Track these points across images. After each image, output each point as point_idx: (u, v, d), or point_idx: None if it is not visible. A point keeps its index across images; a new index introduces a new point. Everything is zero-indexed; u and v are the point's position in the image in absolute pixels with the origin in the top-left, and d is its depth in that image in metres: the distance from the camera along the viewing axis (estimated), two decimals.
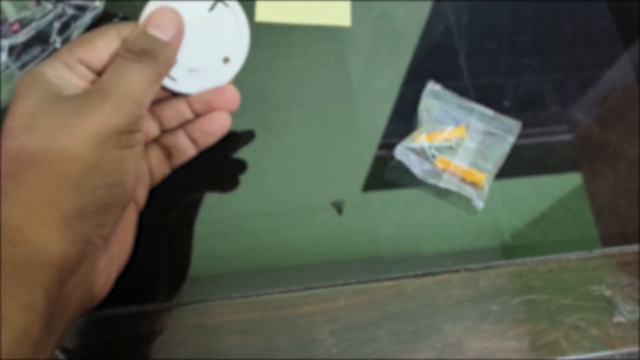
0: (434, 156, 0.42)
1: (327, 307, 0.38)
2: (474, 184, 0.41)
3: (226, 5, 0.35)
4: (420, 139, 0.42)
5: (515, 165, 0.44)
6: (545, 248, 0.41)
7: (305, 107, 0.44)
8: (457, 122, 0.43)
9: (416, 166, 0.41)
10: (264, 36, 0.46)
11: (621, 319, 0.39)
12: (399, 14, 0.49)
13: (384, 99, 0.45)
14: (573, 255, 0.41)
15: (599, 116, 0.46)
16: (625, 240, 0.42)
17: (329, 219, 0.41)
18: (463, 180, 0.42)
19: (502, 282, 0.39)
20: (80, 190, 0.27)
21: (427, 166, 0.41)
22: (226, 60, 0.36)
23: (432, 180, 0.41)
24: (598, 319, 0.39)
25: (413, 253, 0.40)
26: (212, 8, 0.35)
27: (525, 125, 0.44)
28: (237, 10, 0.36)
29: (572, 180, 0.44)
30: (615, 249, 0.41)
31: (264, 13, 0.46)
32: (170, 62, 0.32)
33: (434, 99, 0.44)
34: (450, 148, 0.43)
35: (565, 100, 0.47)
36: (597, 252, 0.41)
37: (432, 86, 0.44)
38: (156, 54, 0.31)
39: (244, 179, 0.41)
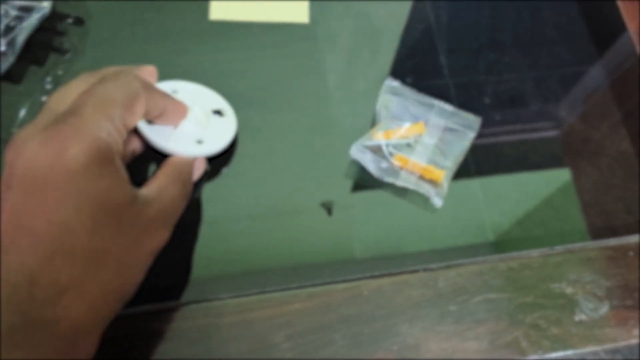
0: (391, 154, 0.41)
1: (282, 311, 0.37)
2: (433, 182, 0.41)
3: (222, 115, 0.40)
4: (377, 136, 0.41)
5: (497, 162, 0.43)
6: (527, 245, 0.40)
7: (280, 108, 0.43)
8: (416, 119, 0.43)
9: (372, 164, 0.40)
10: (226, 35, 0.45)
11: (583, 317, 0.38)
12: (379, 14, 0.48)
13: (365, 98, 0.44)
14: (535, 253, 0.40)
15: (581, 113, 0.46)
16: (611, 235, 0.41)
17: (291, 222, 0.40)
18: (421, 177, 0.41)
19: (462, 282, 0.39)
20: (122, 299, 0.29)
21: (383, 164, 0.40)
22: (199, 142, 0.38)
23: (389, 179, 0.40)
24: (559, 317, 0.38)
25: (371, 254, 0.39)
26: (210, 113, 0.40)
27: (506, 122, 0.43)
28: (231, 120, 0.40)
29: (554, 177, 0.44)
30: (577, 245, 0.40)
31: (219, 11, 0.45)
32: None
33: (392, 95, 0.43)
34: (409, 145, 0.42)
35: (547, 97, 0.46)
36: (559, 248, 0.40)
37: (390, 82, 0.43)
38: (188, 186, 0.35)
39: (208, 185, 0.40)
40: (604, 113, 0.46)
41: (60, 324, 0.25)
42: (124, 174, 0.29)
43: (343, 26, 0.47)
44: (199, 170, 0.37)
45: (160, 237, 0.31)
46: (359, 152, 0.40)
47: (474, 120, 0.43)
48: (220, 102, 0.41)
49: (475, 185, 0.42)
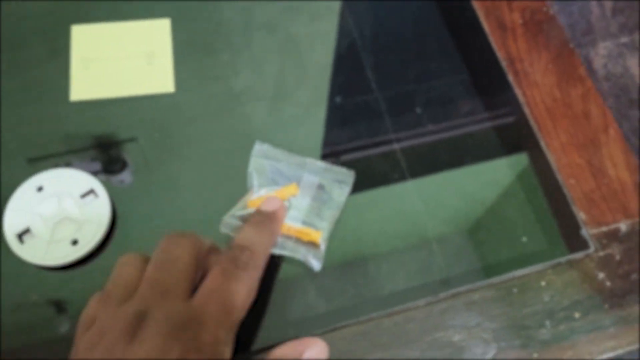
0: None
1: None
2: (311, 244, 0.40)
3: (96, 196, 0.40)
4: (251, 204, 0.40)
5: (434, 166, 0.44)
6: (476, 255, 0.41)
7: (155, 178, 0.42)
8: (289, 180, 0.42)
9: None
10: (89, 113, 0.44)
11: None
12: (302, 34, 0.48)
13: (295, 122, 0.44)
14: (421, 302, 0.40)
15: (511, 108, 0.47)
16: (507, 254, 0.41)
17: None
18: (298, 241, 0.40)
19: (347, 345, 0.38)
20: None
21: None
22: (75, 242, 0.39)
23: None
24: None
25: (246, 326, 0.38)
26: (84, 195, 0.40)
27: (440, 130, 0.45)
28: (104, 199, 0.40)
29: (492, 173, 0.44)
30: (463, 288, 0.40)
31: (79, 91, 0.44)
32: None
33: (264, 159, 0.42)
34: (288, 209, 0.41)
35: (475, 97, 0.46)
36: (443, 294, 0.40)
37: (259, 146, 0.42)
38: None
39: None
40: (499, 129, 0.46)
41: None
42: None
43: (265, 54, 0.47)
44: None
45: None
46: (227, 228, 0.39)
47: (348, 175, 0.42)
48: (90, 181, 0.40)
49: (412, 193, 0.42)
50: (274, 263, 0.40)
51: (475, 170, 0.44)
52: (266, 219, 0.37)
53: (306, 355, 0.32)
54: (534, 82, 0.48)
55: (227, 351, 0.30)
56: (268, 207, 0.37)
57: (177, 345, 0.28)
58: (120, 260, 0.33)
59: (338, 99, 0.45)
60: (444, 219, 0.42)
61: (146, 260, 0.33)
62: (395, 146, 0.45)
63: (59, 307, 0.38)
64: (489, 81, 0.48)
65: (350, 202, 0.42)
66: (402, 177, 0.43)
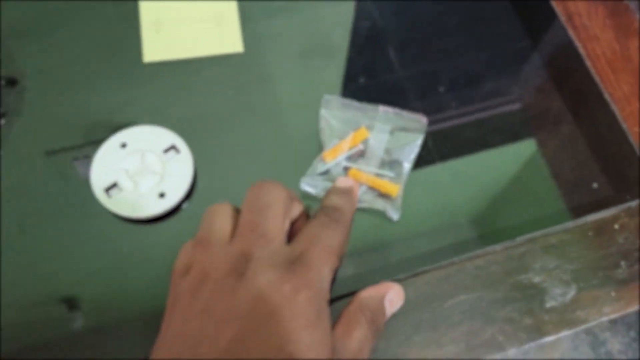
0: (346, 168, 0.41)
1: None
2: (387, 195, 0.41)
3: (177, 150, 0.41)
4: (328, 158, 0.41)
5: (458, 145, 0.44)
6: (503, 230, 0.41)
7: (232, 133, 0.43)
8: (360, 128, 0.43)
9: (324, 192, 0.40)
10: (163, 75, 0.45)
11: (553, 303, 0.39)
12: (322, 19, 0.48)
13: (319, 107, 0.44)
14: (498, 247, 0.40)
15: (535, 85, 0.47)
16: (580, 200, 0.42)
17: None
18: (375, 192, 0.41)
19: (431, 288, 0.39)
20: None
21: None
22: (161, 195, 0.39)
23: None
24: (530, 307, 0.38)
25: (337, 275, 0.39)
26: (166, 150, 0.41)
27: (462, 105, 0.44)
28: (186, 155, 0.41)
29: (517, 153, 0.44)
30: (538, 233, 0.41)
31: (152, 53, 0.45)
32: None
33: (333, 111, 0.43)
34: (360, 156, 0.42)
35: (499, 75, 0.47)
36: (520, 239, 0.41)
37: (327, 98, 0.43)
38: (380, 333, 0.33)
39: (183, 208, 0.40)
40: (552, 86, 0.47)
41: None
42: (330, 325, 0.29)
43: (285, 41, 0.47)
44: (394, 302, 0.35)
45: None
46: (308, 185, 0.40)
47: (420, 121, 0.43)
48: (171, 137, 0.41)
49: (441, 173, 0.43)
50: (356, 213, 0.41)
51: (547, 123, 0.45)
52: (346, 189, 0.38)
53: (388, 297, 0.33)
54: (593, 36, 0.48)
55: (329, 291, 0.31)
56: (343, 184, 0.38)
57: (287, 280, 0.29)
58: (209, 209, 0.34)
59: (362, 80, 0.46)
60: (522, 165, 0.43)
61: (235, 209, 0.33)
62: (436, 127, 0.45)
63: (150, 257, 0.39)
64: (548, 37, 0.49)
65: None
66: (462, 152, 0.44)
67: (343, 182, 0.38)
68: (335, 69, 0.46)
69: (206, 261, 0.31)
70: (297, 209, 0.34)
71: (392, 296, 0.35)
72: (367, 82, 0.46)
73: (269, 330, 0.27)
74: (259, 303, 0.28)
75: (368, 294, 0.34)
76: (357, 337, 0.31)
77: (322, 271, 0.30)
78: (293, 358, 0.27)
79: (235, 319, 0.27)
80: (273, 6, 0.48)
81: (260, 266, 0.29)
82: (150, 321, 0.34)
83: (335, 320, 0.32)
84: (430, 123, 0.43)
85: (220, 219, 0.33)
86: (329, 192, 0.37)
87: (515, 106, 0.46)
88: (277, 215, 0.32)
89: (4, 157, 0.41)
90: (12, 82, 0.45)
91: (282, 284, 0.28)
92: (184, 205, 0.40)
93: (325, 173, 0.41)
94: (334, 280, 0.33)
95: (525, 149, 0.44)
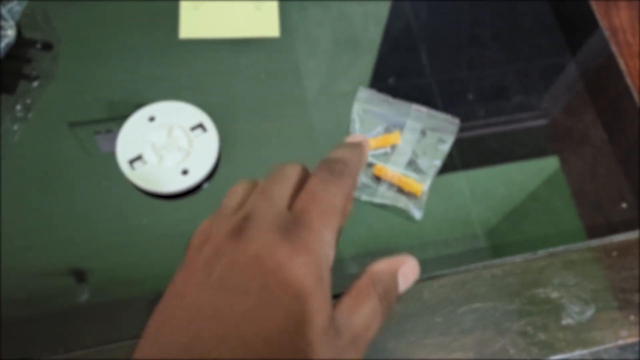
0: (370, 164, 0.41)
1: None
2: (412, 194, 0.40)
3: (203, 129, 0.41)
4: None
5: (483, 157, 0.43)
6: (519, 243, 0.40)
7: (259, 118, 0.43)
8: (392, 125, 0.42)
9: None
10: (197, 52, 0.45)
11: (570, 320, 0.38)
12: (356, 16, 0.48)
13: (347, 102, 0.44)
14: (517, 258, 0.40)
15: (563, 103, 0.46)
16: (598, 220, 0.41)
17: None
18: (400, 190, 0.40)
19: (446, 292, 0.38)
20: None
21: (358, 183, 0.40)
22: (185, 172, 0.39)
23: (366, 197, 0.40)
24: (545, 322, 0.38)
25: (352, 271, 0.39)
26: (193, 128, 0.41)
27: (489, 115, 0.43)
28: (213, 134, 0.41)
29: (540, 169, 0.43)
30: (560, 248, 0.40)
31: (189, 30, 0.45)
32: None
33: (366, 104, 0.43)
34: (386, 154, 0.41)
35: (528, 89, 0.46)
36: (542, 252, 0.40)
37: (362, 91, 0.43)
38: (391, 310, 0.30)
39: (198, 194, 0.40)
40: (585, 103, 0.46)
41: None
42: (330, 293, 0.27)
43: (319, 33, 0.47)
44: (408, 277, 0.32)
45: None
46: None
47: (452, 122, 0.42)
48: (199, 115, 0.41)
49: (462, 181, 0.42)
50: (375, 210, 0.40)
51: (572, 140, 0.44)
52: (354, 143, 0.36)
53: (402, 270, 0.32)
54: (636, 53, 0.47)
55: (332, 254, 0.29)
56: (352, 138, 0.36)
57: (286, 242, 0.27)
58: (231, 188, 0.33)
59: (391, 81, 0.45)
60: (549, 188, 0.42)
61: (257, 183, 0.33)
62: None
63: (167, 234, 0.39)
64: (589, 51, 0.48)
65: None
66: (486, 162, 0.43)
67: (353, 137, 0.37)
68: (366, 66, 0.46)
69: (214, 229, 0.30)
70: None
71: (407, 270, 0.31)
72: (396, 82, 0.45)
73: (260, 298, 0.25)
74: (255, 269, 0.26)
75: (380, 267, 0.31)
76: (365, 312, 0.28)
77: (322, 234, 0.28)
78: (284, 330, 0.25)
79: (234, 287, 0.26)
80: None
81: (259, 227, 0.27)
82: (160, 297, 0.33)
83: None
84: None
85: (238, 194, 0.32)
86: (335, 146, 0.35)
87: (544, 121, 0.45)
88: (289, 183, 0.31)
89: (32, 120, 0.41)
90: (47, 47, 0.45)
91: (280, 247, 0.26)
92: (205, 185, 0.40)
93: None
94: (337, 241, 0.32)
95: (549, 166, 0.43)
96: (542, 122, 0.45)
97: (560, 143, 0.44)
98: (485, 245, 0.40)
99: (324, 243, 0.28)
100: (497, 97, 0.45)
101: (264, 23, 0.45)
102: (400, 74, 0.45)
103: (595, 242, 0.40)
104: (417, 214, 0.40)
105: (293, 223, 0.28)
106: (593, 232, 0.41)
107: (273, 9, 0.46)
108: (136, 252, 0.39)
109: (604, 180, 0.43)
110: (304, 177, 0.32)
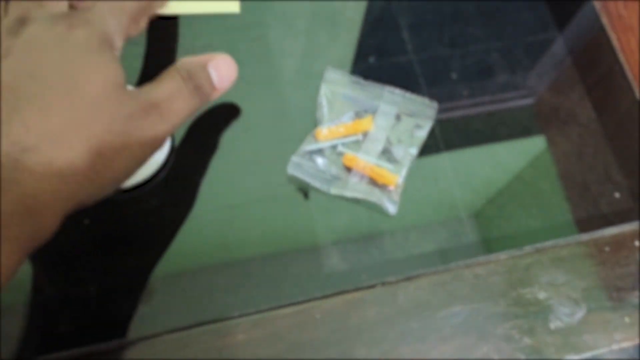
0: (340, 153, 0.37)
1: (224, 343, 0.33)
2: (385, 186, 0.36)
3: None
4: (321, 136, 0.37)
5: (467, 137, 0.40)
6: (509, 236, 0.37)
7: (226, 97, 0.39)
8: (363, 109, 0.38)
9: (314, 178, 0.36)
10: (152, 30, 0.40)
11: (559, 323, 0.35)
12: None
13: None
14: (502, 255, 0.36)
15: (549, 82, 0.42)
16: (585, 201, 0.38)
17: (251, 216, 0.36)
18: (372, 182, 0.36)
19: (424, 295, 0.35)
20: None
21: (327, 173, 0.36)
22: None
23: (335, 191, 0.36)
24: (532, 325, 0.34)
25: (322, 271, 0.35)
26: None
27: (473, 95, 0.40)
28: None
29: (526, 148, 0.40)
30: (548, 243, 0.37)
31: None
32: (203, 105, 0.31)
33: (335, 87, 0.38)
34: (357, 142, 0.37)
35: (514, 67, 0.42)
36: (528, 248, 0.36)
37: (331, 72, 0.39)
38: (205, 93, 0.30)
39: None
40: (573, 81, 0.42)
41: (17, 184, 0.23)
42: (120, 67, 0.28)
43: (291, 8, 0.42)
44: (221, 69, 0.31)
45: (151, 131, 0.27)
46: (296, 169, 0.36)
47: (430, 106, 0.38)
48: None
49: (445, 162, 0.38)
50: (346, 205, 0.37)
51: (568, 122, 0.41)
52: None
53: (212, 63, 0.30)
54: (629, 27, 0.43)
55: (117, 43, 0.28)
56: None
57: (61, 22, 0.27)
58: None
59: (372, 60, 0.41)
60: (536, 169, 0.39)
61: None
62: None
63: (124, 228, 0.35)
64: (577, 25, 0.44)
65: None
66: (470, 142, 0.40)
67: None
68: (344, 45, 0.42)
69: None
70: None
71: (218, 63, 0.31)
72: (377, 62, 0.41)
73: (48, 67, 0.25)
74: (31, 44, 0.26)
75: (185, 60, 0.30)
76: (166, 85, 0.28)
77: (104, 16, 0.28)
78: (77, 85, 0.25)
79: (11, 54, 0.26)
80: None
81: (34, 20, 0.27)
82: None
83: None
84: (439, 110, 0.39)
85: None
86: None
87: (530, 100, 0.41)
88: None
89: None
90: None
91: (55, 27, 0.26)
92: (162, 175, 0.36)
93: (316, 153, 0.37)
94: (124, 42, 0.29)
95: (536, 146, 0.40)
96: (529, 100, 0.41)
97: (547, 122, 0.40)
98: (472, 235, 0.37)
99: (106, 24, 0.27)
100: (482, 75, 0.42)
101: None
102: (381, 52, 0.42)
103: (586, 237, 0.37)
104: (392, 209, 0.36)
105: (71, 11, 0.28)
106: (594, 222, 0.38)
107: None
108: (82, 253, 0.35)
109: (592, 161, 0.39)
110: None
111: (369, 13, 0.43)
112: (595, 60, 0.43)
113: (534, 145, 0.40)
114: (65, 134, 0.25)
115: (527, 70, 0.42)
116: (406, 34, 0.43)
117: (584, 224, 0.38)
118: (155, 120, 0.28)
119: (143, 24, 0.31)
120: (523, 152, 0.40)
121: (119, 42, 0.28)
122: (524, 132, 0.40)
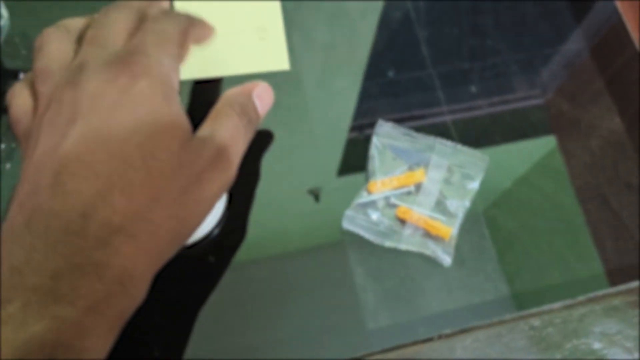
0: (393, 205, 0.38)
1: None
2: (439, 238, 0.37)
3: None
4: (374, 188, 0.38)
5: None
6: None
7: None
8: (415, 162, 0.39)
9: (369, 231, 0.37)
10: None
11: None
12: (353, 8, 0.45)
13: (343, 97, 0.41)
14: (556, 305, 0.37)
15: (569, 94, 0.43)
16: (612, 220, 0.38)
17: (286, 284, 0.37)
18: (426, 234, 0.37)
19: (481, 347, 0.35)
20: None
21: (381, 225, 0.37)
22: None
23: (390, 243, 0.37)
24: None
25: (380, 324, 0.36)
26: None
27: (494, 108, 0.42)
28: None
29: (546, 158, 0.41)
30: (600, 293, 0.37)
31: (189, 70, 0.41)
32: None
33: (386, 139, 0.40)
34: (409, 193, 0.38)
35: (533, 79, 0.43)
36: (581, 298, 0.37)
37: (381, 125, 0.40)
38: (254, 125, 0.30)
39: None
40: (593, 92, 0.43)
41: (109, 267, 0.23)
42: (183, 111, 0.27)
43: (313, 25, 0.43)
44: (263, 98, 0.31)
45: (221, 179, 0.27)
46: (351, 224, 0.37)
47: (481, 159, 0.39)
48: None
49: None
50: (401, 257, 0.37)
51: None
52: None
53: (255, 93, 0.31)
54: None
55: (175, 79, 0.28)
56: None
57: (124, 71, 0.26)
58: (41, 35, 0.29)
59: (391, 74, 0.42)
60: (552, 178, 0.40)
61: (78, 28, 0.30)
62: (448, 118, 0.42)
63: None
64: (602, 36, 0.45)
65: None
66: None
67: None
68: (363, 60, 0.43)
69: (50, 89, 0.27)
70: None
71: (260, 92, 0.31)
72: (395, 76, 0.42)
73: (117, 123, 0.25)
74: (98, 101, 0.25)
75: (233, 92, 0.30)
76: (226, 125, 0.28)
77: (159, 57, 0.27)
78: (146, 147, 0.25)
79: (74, 123, 0.25)
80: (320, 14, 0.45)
81: (92, 67, 0.26)
82: None
83: None
84: (456, 121, 0.40)
85: (58, 43, 0.29)
86: None
87: (546, 113, 0.42)
88: (118, 26, 0.29)
89: None
90: None
91: (117, 77, 0.26)
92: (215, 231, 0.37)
93: (369, 206, 0.37)
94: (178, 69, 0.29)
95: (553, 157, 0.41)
96: (547, 112, 0.42)
97: (566, 134, 0.41)
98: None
99: (162, 65, 0.27)
100: (500, 88, 0.42)
101: (272, 54, 0.42)
102: (399, 66, 0.43)
103: (637, 283, 0.38)
104: (446, 261, 0.37)
105: (129, 54, 0.27)
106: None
107: (280, 37, 0.43)
108: None
109: (611, 173, 0.40)
110: (139, 13, 0.30)
111: (387, 27, 0.44)
112: (620, 73, 0.44)
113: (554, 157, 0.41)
114: (149, 211, 0.25)
115: (546, 83, 0.43)
116: (425, 47, 0.44)
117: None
118: (225, 166, 0.27)
119: (187, 50, 0.30)
120: (543, 163, 0.41)
121: (176, 81, 0.28)
122: (544, 142, 0.41)
